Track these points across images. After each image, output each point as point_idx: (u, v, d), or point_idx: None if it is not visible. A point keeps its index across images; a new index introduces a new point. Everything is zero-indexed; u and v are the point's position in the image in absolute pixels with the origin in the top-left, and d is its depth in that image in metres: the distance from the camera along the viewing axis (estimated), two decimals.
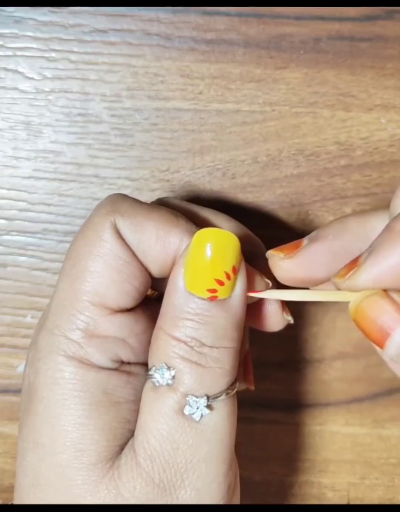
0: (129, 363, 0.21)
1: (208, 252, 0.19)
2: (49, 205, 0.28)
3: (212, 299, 0.19)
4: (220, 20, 0.26)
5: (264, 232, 0.28)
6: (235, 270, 0.19)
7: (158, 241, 0.20)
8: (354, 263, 0.19)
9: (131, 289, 0.20)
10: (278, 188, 0.28)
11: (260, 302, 0.23)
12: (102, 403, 0.20)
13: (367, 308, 0.20)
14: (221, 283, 0.19)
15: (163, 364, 0.19)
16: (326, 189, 0.28)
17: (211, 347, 0.19)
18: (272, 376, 0.30)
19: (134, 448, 0.19)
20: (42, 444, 0.20)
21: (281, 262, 0.21)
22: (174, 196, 0.28)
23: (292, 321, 0.23)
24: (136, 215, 0.20)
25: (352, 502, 0.31)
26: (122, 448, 0.20)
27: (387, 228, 0.19)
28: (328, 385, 0.30)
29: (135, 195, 0.28)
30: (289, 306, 0.28)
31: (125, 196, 0.21)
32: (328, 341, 0.29)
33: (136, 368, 0.21)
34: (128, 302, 0.20)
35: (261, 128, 0.27)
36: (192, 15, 0.26)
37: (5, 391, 0.30)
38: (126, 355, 0.21)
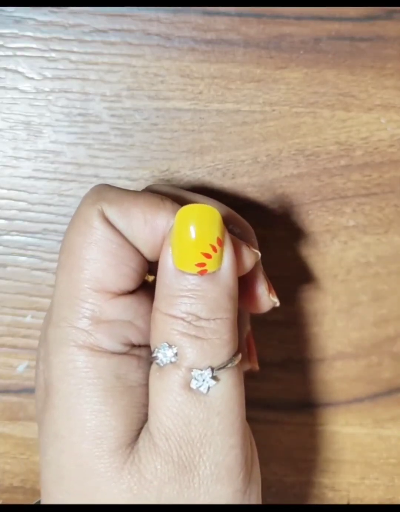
0: (139, 346, 0.21)
1: (192, 228, 0.19)
2: (49, 205, 0.28)
3: (202, 273, 0.19)
4: (220, 20, 0.26)
5: (264, 232, 0.28)
6: (220, 242, 0.19)
7: (147, 225, 0.20)
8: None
9: (129, 271, 0.20)
10: (278, 188, 0.28)
11: (247, 284, 0.23)
12: (116, 388, 0.20)
13: None
14: (208, 256, 0.19)
15: (164, 343, 0.20)
16: (326, 189, 0.28)
17: (207, 319, 0.19)
18: (272, 376, 0.30)
19: (149, 430, 0.20)
20: (61, 436, 0.20)
21: None
22: None
23: (278, 304, 0.23)
24: (122, 202, 0.20)
25: (352, 502, 0.31)
26: (139, 432, 0.20)
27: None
28: (328, 385, 0.30)
29: None
30: (289, 304, 0.28)
31: (110, 186, 0.22)
32: (328, 341, 0.29)
33: (145, 351, 0.21)
34: (128, 284, 0.21)
35: (261, 128, 0.27)
36: (192, 15, 0.26)
37: (6, 391, 0.30)
38: (135, 337, 0.21)
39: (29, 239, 0.28)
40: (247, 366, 0.25)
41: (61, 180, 0.28)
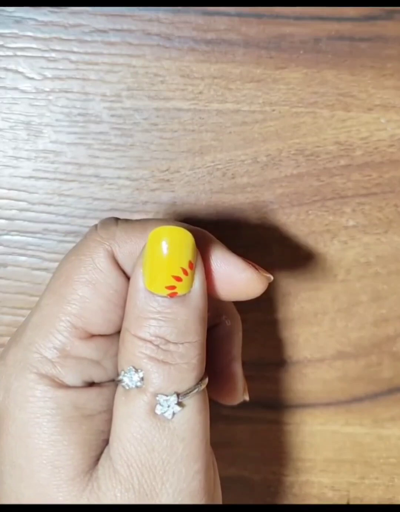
0: (100, 382, 0.21)
1: (163, 249, 0.19)
2: (49, 205, 0.28)
3: (172, 295, 0.19)
4: (220, 20, 0.26)
5: (264, 232, 0.28)
6: (192, 265, 0.19)
7: None
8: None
9: (116, 318, 0.20)
10: (278, 188, 0.28)
11: (224, 375, 0.23)
12: (74, 418, 0.20)
13: None
14: (178, 279, 0.19)
15: (131, 367, 0.19)
16: (326, 189, 0.28)
17: (175, 343, 0.19)
18: (272, 376, 0.30)
19: (110, 456, 0.19)
20: (19, 465, 0.20)
21: None
22: (174, 196, 0.28)
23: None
24: (131, 239, 0.20)
25: (352, 502, 0.31)
26: (98, 458, 0.20)
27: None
28: (328, 385, 0.30)
29: (135, 195, 0.28)
30: (289, 304, 0.28)
31: (116, 219, 0.21)
32: (328, 341, 0.29)
33: (107, 384, 0.21)
34: (110, 329, 0.21)
35: (261, 128, 0.27)
36: (192, 15, 0.26)
37: None
38: (99, 376, 0.21)
39: (30, 239, 0.28)
40: (240, 398, 0.25)
41: (61, 180, 0.28)
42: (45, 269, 0.28)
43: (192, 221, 0.28)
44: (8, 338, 0.29)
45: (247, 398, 0.24)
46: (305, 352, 0.30)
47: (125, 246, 0.20)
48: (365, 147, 0.28)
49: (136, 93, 0.27)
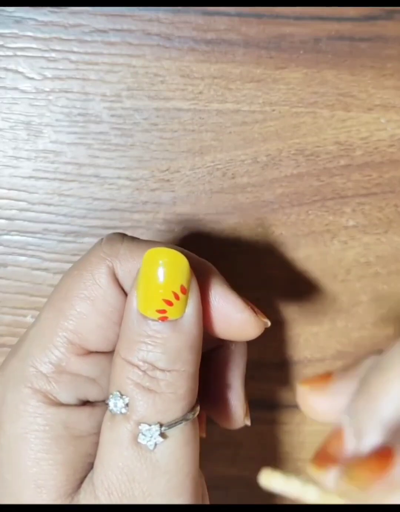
0: (94, 401, 0.21)
1: (155, 272, 0.18)
2: (49, 205, 0.28)
3: (163, 319, 0.19)
4: (220, 20, 0.26)
5: (264, 232, 0.28)
6: (184, 290, 0.19)
7: None
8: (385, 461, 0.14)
9: (113, 336, 0.20)
10: (278, 188, 0.28)
11: (223, 394, 0.22)
12: (62, 437, 0.19)
13: None
14: (169, 303, 0.18)
15: (117, 392, 0.19)
16: (326, 189, 0.28)
17: (163, 370, 0.19)
18: (272, 376, 0.30)
19: (93, 481, 0.19)
20: (6, 480, 0.19)
21: (309, 396, 0.19)
22: (174, 196, 0.28)
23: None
24: (133, 258, 0.20)
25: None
26: (82, 481, 0.19)
27: None
28: None
29: (135, 195, 0.28)
30: (289, 304, 0.28)
31: (123, 237, 0.21)
32: (328, 341, 0.29)
33: (100, 404, 0.21)
34: (107, 347, 0.20)
35: (261, 128, 0.27)
36: (192, 15, 0.26)
37: None
38: (94, 395, 0.20)
39: (30, 239, 0.28)
40: (240, 424, 0.24)
41: (61, 180, 0.28)
42: (45, 269, 0.28)
43: (192, 221, 0.28)
44: (8, 338, 0.30)
45: (248, 423, 0.23)
46: (306, 352, 0.30)
47: (127, 264, 0.20)
48: (365, 147, 0.28)
49: (136, 93, 0.27)
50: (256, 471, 0.30)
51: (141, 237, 0.22)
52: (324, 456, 0.17)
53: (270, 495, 0.31)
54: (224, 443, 0.30)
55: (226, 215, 0.28)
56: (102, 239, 0.21)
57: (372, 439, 0.16)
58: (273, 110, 0.27)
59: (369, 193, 0.28)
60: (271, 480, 0.15)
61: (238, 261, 0.29)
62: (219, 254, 0.28)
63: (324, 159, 0.28)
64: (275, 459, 0.30)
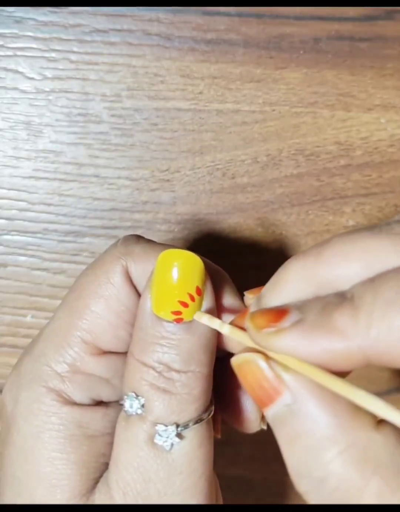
0: (108, 402, 0.21)
1: (171, 273, 0.18)
2: (49, 205, 0.28)
3: (178, 321, 0.19)
4: (220, 20, 0.26)
5: (264, 232, 0.28)
6: (199, 291, 0.19)
7: None
8: (279, 315, 0.16)
9: (126, 336, 0.20)
10: (278, 188, 0.28)
11: (237, 395, 0.22)
12: (76, 437, 0.19)
13: (249, 373, 0.17)
14: (185, 304, 0.18)
15: (132, 393, 0.19)
16: (326, 189, 0.28)
17: (178, 371, 0.19)
18: None
19: (108, 481, 0.19)
20: (19, 478, 0.19)
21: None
22: (174, 196, 0.28)
23: (264, 428, 0.21)
24: (148, 259, 0.20)
25: None
26: (96, 481, 0.19)
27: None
28: None
29: (135, 195, 0.28)
30: None
31: (139, 238, 0.21)
32: None
33: (114, 404, 0.21)
34: (120, 346, 0.20)
35: (261, 128, 0.27)
36: (192, 15, 0.26)
37: None
38: (107, 395, 0.20)
39: (30, 239, 0.28)
40: (255, 428, 0.23)
41: (61, 180, 0.28)
42: (45, 269, 0.28)
43: (192, 221, 0.28)
44: (9, 337, 0.30)
45: (264, 427, 0.22)
46: None
47: (141, 264, 0.20)
48: (365, 147, 0.28)
49: (136, 93, 0.27)
50: (256, 471, 0.31)
51: None
52: (241, 315, 0.19)
53: (270, 495, 0.31)
54: (225, 443, 0.30)
55: (226, 215, 0.28)
56: (118, 240, 0.21)
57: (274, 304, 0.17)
58: (273, 110, 0.27)
59: (369, 193, 0.28)
60: (202, 318, 0.18)
61: (238, 261, 0.29)
62: (219, 254, 0.28)
63: (324, 159, 0.28)
64: (275, 458, 0.30)
